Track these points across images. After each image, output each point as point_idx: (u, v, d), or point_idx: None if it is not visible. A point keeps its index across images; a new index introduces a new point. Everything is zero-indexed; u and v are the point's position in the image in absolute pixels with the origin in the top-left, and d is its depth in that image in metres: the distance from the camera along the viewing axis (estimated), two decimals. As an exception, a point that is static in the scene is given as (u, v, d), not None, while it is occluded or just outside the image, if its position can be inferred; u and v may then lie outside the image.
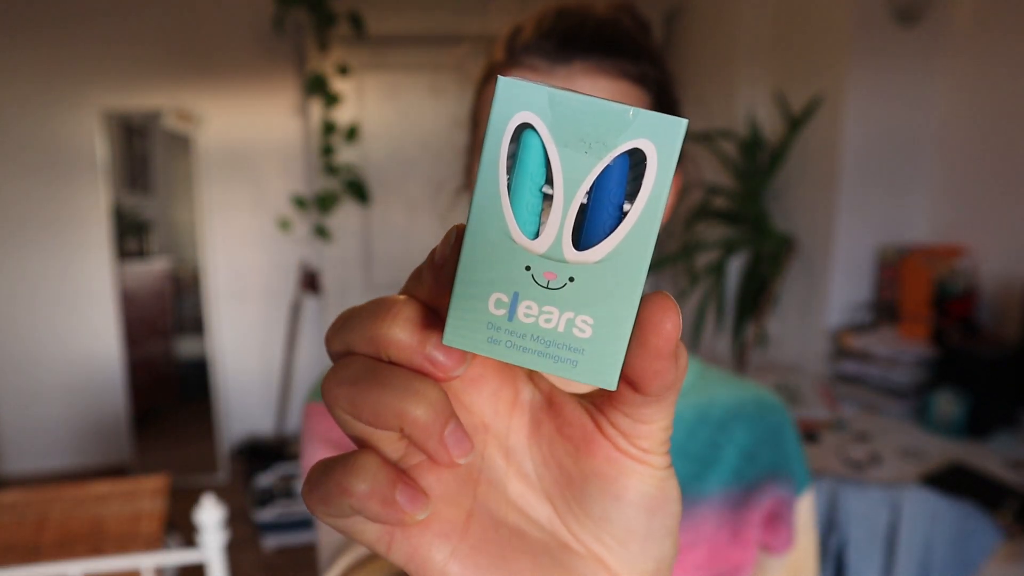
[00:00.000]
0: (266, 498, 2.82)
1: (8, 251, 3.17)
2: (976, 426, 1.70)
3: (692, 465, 0.57)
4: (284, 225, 3.18)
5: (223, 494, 3.08)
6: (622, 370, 0.20)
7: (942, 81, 2.13)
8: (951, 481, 1.49)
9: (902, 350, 1.94)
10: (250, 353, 3.43)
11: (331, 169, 2.87)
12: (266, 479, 2.93)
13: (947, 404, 1.73)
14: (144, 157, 3.33)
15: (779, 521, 0.59)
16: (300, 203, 3.04)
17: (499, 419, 0.23)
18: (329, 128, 2.82)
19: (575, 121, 0.18)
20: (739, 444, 0.59)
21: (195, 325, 3.46)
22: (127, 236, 3.31)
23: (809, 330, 2.36)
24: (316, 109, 2.83)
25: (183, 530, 2.47)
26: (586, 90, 0.48)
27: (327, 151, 2.85)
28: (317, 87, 2.76)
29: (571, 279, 0.19)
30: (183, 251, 3.41)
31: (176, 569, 1.66)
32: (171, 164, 3.38)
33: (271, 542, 2.76)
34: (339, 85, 2.80)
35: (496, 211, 0.18)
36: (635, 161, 0.18)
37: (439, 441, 0.19)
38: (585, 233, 0.19)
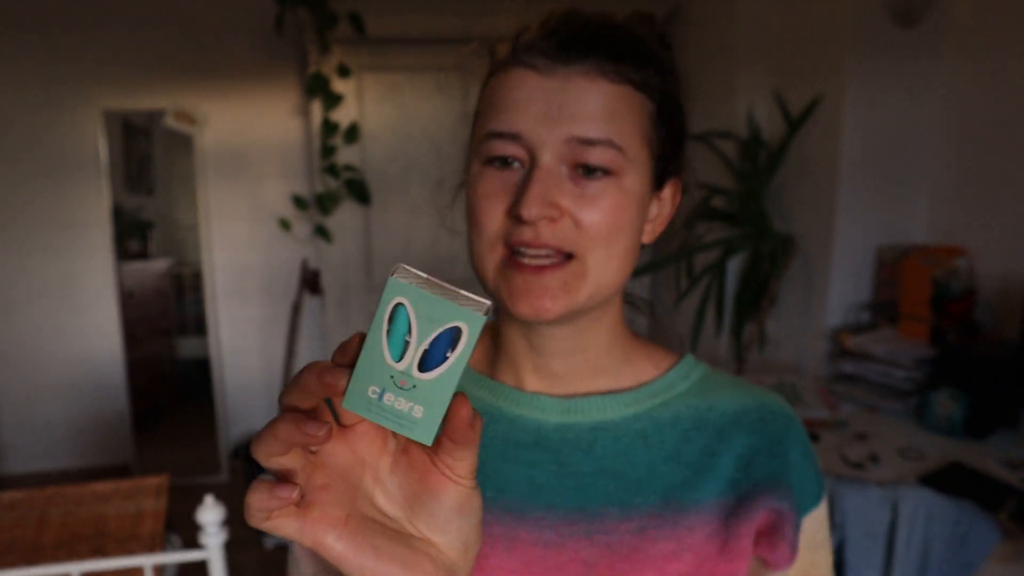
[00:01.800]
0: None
1: (10, 251, 3.17)
2: (975, 426, 1.70)
3: (684, 471, 0.56)
4: (285, 225, 3.18)
5: (224, 494, 3.08)
6: (444, 432, 0.35)
7: (941, 82, 2.14)
8: (950, 481, 1.49)
9: (901, 350, 1.95)
10: (251, 353, 3.44)
11: (331, 170, 2.88)
12: (267, 479, 2.93)
13: (946, 404, 1.73)
14: (146, 157, 3.33)
15: (776, 535, 0.56)
16: (300, 203, 3.04)
17: (373, 458, 0.38)
18: (330, 129, 2.82)
19: (427, 307, 0.34)
20: (737, 452, 0.56)
21: (196, 325, 3.47)
22: (128, 236, 3.31)
23: (808, 330, 2.37)
24: (317, 110, 2.83)
25: (184, 530, 2.48)
26: (583, 93, 0.48)
27: (328, 151, 2.85)
28: (318, 88, 2.77)
29: (414, 386, 0.34)
30: (184, 251, 3.42)
31: (177, 568, 1.66)
32: (173, 164, 3.38)
33: (271, 541, 2.76)
34: (340, 86, 2.81)
35: (379, 344, 0.34)
36: (456, 332, 0.34)
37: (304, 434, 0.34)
38: (425, 364, 0.34)
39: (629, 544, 0.54)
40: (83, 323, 3.28)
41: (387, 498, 0.38)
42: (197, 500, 1.19)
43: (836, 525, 1.36)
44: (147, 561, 1.17)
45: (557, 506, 0.55)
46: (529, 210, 0.48)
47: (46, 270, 3.21)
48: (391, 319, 0.34)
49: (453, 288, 0.34)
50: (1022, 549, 1.29)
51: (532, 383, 0.59)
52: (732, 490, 0.55)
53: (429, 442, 0.34)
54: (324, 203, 2.89)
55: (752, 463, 0.56)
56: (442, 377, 0.34)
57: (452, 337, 0.34)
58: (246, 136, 3.25)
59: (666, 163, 0.55)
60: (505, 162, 0.50)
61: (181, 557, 1.20)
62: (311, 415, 0.34)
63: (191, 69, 3.16)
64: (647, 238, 0.57)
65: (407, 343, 0.34)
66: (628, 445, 0.57)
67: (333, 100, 2.80)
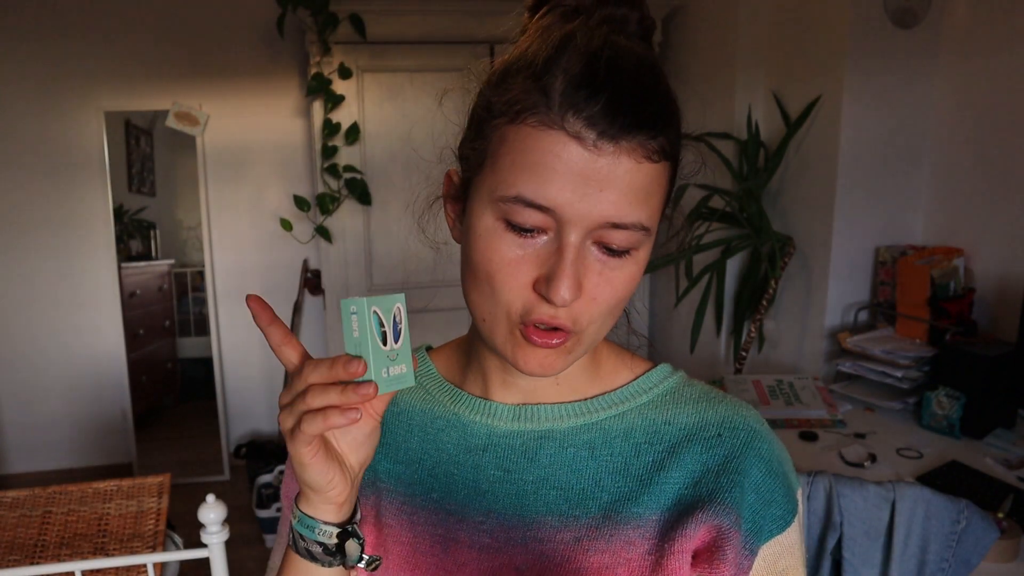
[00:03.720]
0: (268, 496, 2.84)
1: (12, 252, 3.18)
2: (973, 425, 1.71)
3: (630, 484, 0.55)
4: (286, 225, 3.19)
5: (225, 493, 3.10)
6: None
7: (939, 83, 2.14)
8: (948, 480, 1.50)
9: (899, 350, 1.95)
10: (252, 353, 3.44)
11: (332, 170, 2.88)
12: (268, 478, 2.95)
13: (944, 403, 1.74)
14: (148, 158, 3.34)
15: (716, 555, 0.52)
16: (301, 204, 3.05)
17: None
18: (331, 129, 2.83)
19: (380, 305, 0.48)
20: (687, 468, 0.54)
21: (198, 325, 3.48)
22: (130, 237, 3.32)
23: (807, 330, 2.37)
24: (318, 110, 2.84)
25: (185, 528, 2.49)
26: (628, 174, 0.45)
27: (328, 152, 2.86)
28: (319, 88, 2.77)
29: (397, 355, 0.49)
30: (186, 251, 3.43)
31: (178, 566, 1.67)
32: (174, 165, 3.39)
33: (273, 540, 2.77)
34: (340, 87, 2.81)
35: (375, 341, 0.48)
36: (397, 311, 0.49)
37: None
38: (396, 338, 0.49)
39: (563, 554, 0.54)
40: (85, 323, 3.29)
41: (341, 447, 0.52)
42: (199, 499, 1.20)
43: (834, 524, 1.37)
44: (149, 560, 1.18)
45: (498, 512, 0.56)
46: (563, 296, 0.46)
47: (48, 270, 3.22)
48: (369, 329, 0.47)
49: (380, 296, 0.49)
50: (1020, 547, 1.30)
51: (498, 395, 0.60)
52: (675, 507, 0.54)
53: (413, 382, 0.50)
54: (325, 203, 2.90)
55: (700, 480, 0.54)
56: (405, 340, 0.49)
57: (396, 320, 0.49)
58: (248, 137, 3.26)
59: (666, 207, 0.53)
60: (528, 230, 0.47)
61: (183, 556, 1.21)
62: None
63: (193, 70, 3.17)
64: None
65: (384, 332, 0.48)
66: (574, 455, 0.56)
67: (334, 101, 2.81)
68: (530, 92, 0.46)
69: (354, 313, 0.47)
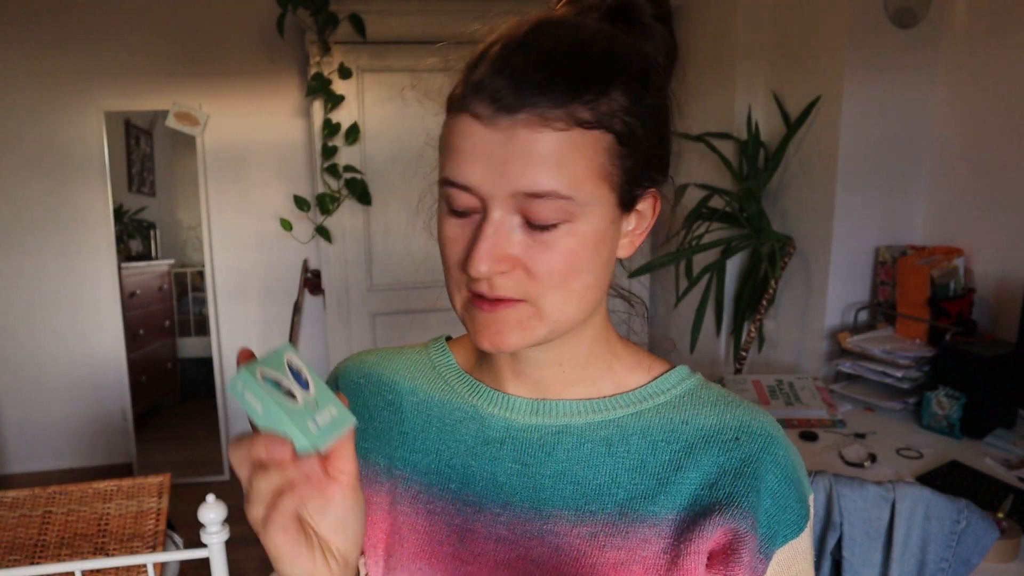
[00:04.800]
0: (268, 497, 2.83)
1: (12, 252, 3.18)
2: (973, 425, 1.71)
3: (648, 482, 0.55)
4: (286, 225, 3.19)
5: (225, 492, 3.09)
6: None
7: (939, 83, 2.14)
8: (948, 479, 1.50)
9: (899, 350, 1.95)
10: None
11: (332, 170, 2.88)
12: (268, 478, 2.94)
13: (944, 403, 1.74)
14: (148, 158, 3.34)
15: (732, 557, 0.53)
16: (301, 204, 3.05)
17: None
18: (331, 129, 2.83)
19: (269, 364, 0.46)
20: (704, 470, 0.55)
21: (198, 325, 3.48)
22: (130, 237, 3.32)
23: (807, 330, 2.37)
24: (318, 110, 2.84)
25: (185, 528, 2.48)
26: (526, 144, 0.46)
27: (328, 152, 2.86)
28: (319, 88, 2.77)
29: (316, 400, 0.46)
30: (186, 251, 3.43)
31: (178, 567, 1.67)
32: (174, 165, 3.39)
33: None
34: (340, 87, 2.81)
35: (282, 406, 0.44)
36: (292, 362, 0.47)
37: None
38: (302, 387, 0.46)
39: (579, 549, 0.55)
40: (85, 323, 3.29)
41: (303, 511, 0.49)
42: (199, 499, 1.20)
43: (834, 524, 1.37)
44: (149, 559, 1.18)
45: (515, 504, 0.57)
46: (477, 268, 0.48)
47: (48, 271, 3.22)
48: (267, 395, 0.44)
49: (263, 356, 0.47)
50: (1020, 547, 1.30)
51: (512, 387, 0.60)
52: (691, 507, 0.54)
53: (352, 419, 0.47)
54: (325, 203, 2.90)
55: (717, 482, 0.54)
56: (316, 383, 0.47)
57: (294, 369, 0.47)
58: (247, 137, 3.26)
59: (636, 184, 0.52)
60: (463, 212, 0.50)
61: (183, 556, 1.21)
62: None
63: (193, 70, 3.17)
64: (624, 252, 0.55)
65: (288, 391, 0.45)
66: (591, 451, 0.57)
67: (334, 101, 2.81)
68: (459, 84, 0.50)
69: (244, 389, 0.44)
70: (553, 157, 0.47)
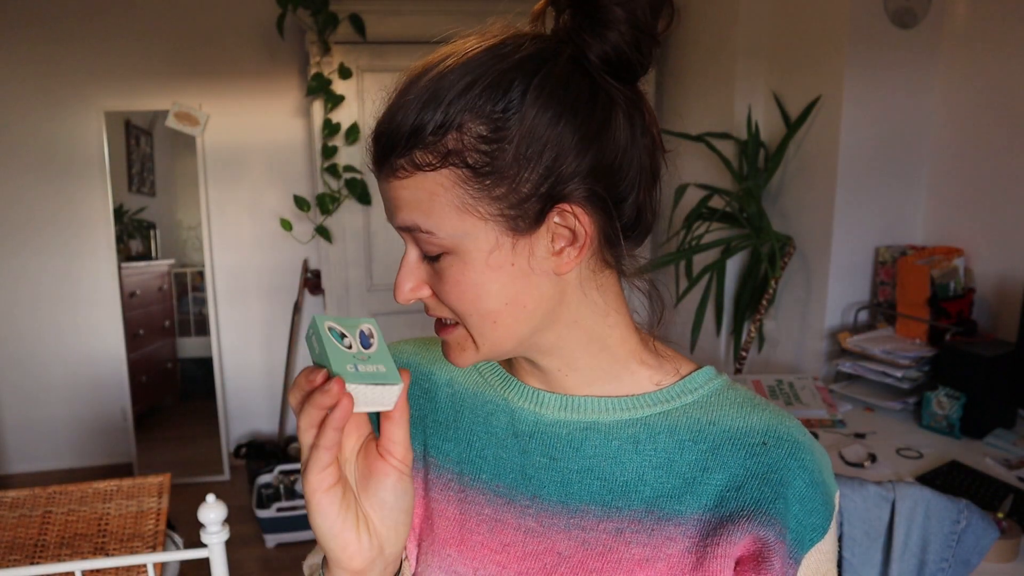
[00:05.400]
0: (268, 496, 2.84)
1: (12, 252, 3.18)
2: (972, 425, 1.71)
3: (674, 481, 0.56)
4: (286, 225, 3.19)
5: (225, 492, 3.10)
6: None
7: (939, 82, 2.14)
8: (948, 479, 1.50)
9: (899, 350, 1.95)
10: (252, 353, 3.45)
11: (332, 170, 2.88)
12: (267, 478, 2.95)
13: (944, 403, 1.74)
14: (148, 158, 3.34)
15: (762, 565, 0.54)
16: (302, 204, 3.05)
17: (350, 442, 0.52)
18: (331, 129, 2.83)
19: (345, 323, 0.51)
20: (731, 472, 0.55)
21: (198, 325, 3.48)
22: (130, 237, 3.32)
23: (807, 330, 2.38)
24: (318, 110, 2.84)
25: (185, 528, 2.49)
26: (390, 191, 0.54)
27: (328, 152, 2.86)
28: (319, 88, 2.77)
29: (369, 357, 0.49)
30: (186, 251, 3.43)
31: (178, 566, 1.67)
32: (174, 165, 3.39)
33: (272, 540, 2.77)
34: (340, 87, 2.82)
35: (336, 347, 0.49)
36: (367, 331, 0.51)
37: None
38: (364, 346, 0.50)
39: (605, 543, 0.56)
40: (85, 323, 3.29)
41: (351, 476, 0.52)
42: (199, 499, 1.20)
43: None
44: (149, 559, 1.18)
45: (543, 497, 0.58)
46: (396, 295, 0.56)
47: (49, 271, 3.22)
48: (325, 338, 0.49)
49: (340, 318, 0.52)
50: (1020, 547, 1.30)
51: (532, 381, 0.62)
52: (717, 509, 0.55)
53: (399, 381, 0.49)
54: (325, 203, 2.90)
55: (743, 486, 0.55)
56: (380, 347, 0.51)
57: (365, 333, 0.51)
58: (248, 137, 3.26)
59: (524, 204, 0.51)
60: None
61: (183, 555, 1.21)
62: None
63: (193, 70, 3.17)
64: (565, 268, 0.53)
65: (349, 343, 0.50)
66: (618, 448, 0.58)
67: (334, 101, 2.81)
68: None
69: (312, 334, 0.50)
70: (407, 200, 0.52)
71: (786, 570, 0.54)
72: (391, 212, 0.55)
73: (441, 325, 0.57)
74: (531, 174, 0.51)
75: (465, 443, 0.63)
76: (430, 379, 0.67)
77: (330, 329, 0.50)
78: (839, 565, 1.39)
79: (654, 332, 0.64)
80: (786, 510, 0.54)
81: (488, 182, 0.50)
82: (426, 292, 0.55)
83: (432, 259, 0.54)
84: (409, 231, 0.54)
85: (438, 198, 0.51)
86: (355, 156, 2.90)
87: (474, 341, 0.55)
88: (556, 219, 0.53)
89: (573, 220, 0.53)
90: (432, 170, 0.50)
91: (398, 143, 0.51)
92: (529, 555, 0.58)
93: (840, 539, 1.38)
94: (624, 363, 0.60)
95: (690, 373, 0.61)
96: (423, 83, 0.51)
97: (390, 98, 0.54)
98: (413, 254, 0.55)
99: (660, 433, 0.58)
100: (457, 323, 0.55)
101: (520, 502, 0.59)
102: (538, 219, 0.52)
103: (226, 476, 3.35)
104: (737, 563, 0.55)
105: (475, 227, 0.51)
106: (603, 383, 0.60)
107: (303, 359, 3.49)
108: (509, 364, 0.65)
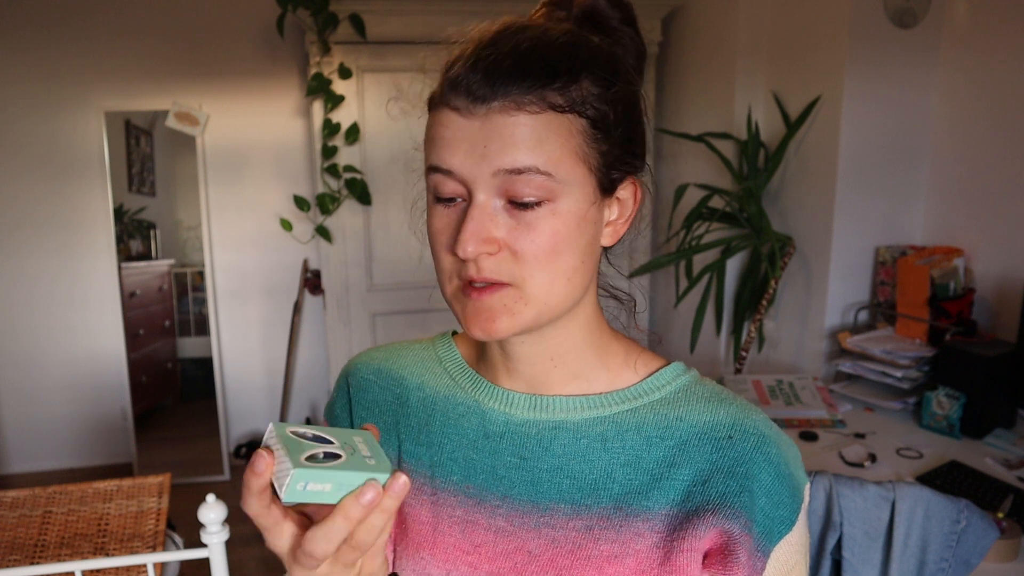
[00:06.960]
0: (268, 497, 2.83)
1: (12, 252, 3.18)
2: (972, 425, 1.71)
3: (642, 477, 0.56)
4: (286, 225, 3.19)
5: (225, 492, 3.09)
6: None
7: (939, 83, 2.14)
8: (948, 479, 1.50)
9: (899, 350, 1.95)
10: (252, 353, 3.44)
11: (332, 170, 2.88)
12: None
13: (944, 403, 1.74)
14: (148, 158, 3.34)
15: (729, 558, 0.54)
16: (301, 204, 3.05)
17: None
18: (331, 129, 2.83)
19: (299, 450, 0.46)
20: (697, 467, 0.56)
21: (198, 325, 3.48)
22: (130, 237, 3.32)
23: (807, 330, 2.38)
24: (318, 110, 2.84)
25: (185, 528, 2.48)
26: (503, 128, 0.50)
27: (328, 152, 2.86)
28: (319, 88, 2.77)
29: (352, 447, 0.48)
30: (186, 251, 3.43)
31: (178, 566, 1.67)
32: (174, 165, 3.39)
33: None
34: (340, 87, 2.81)
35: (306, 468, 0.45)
36: (307, 436, 0.48)
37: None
38: (323, 463, 0.45)
39: (574, 541, 0.57)
40: (86, 323, 3.29)
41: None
42: (199, 499, 1.20)
43: (834, 524, 1.37)
44: (149, 559, 1.18)
45: (513, 497, 0.59)
46: (464, 249, 0.51)
47: (49, 271, 3.22)
48: (319, 476, 0.46)
49: (284, 446, 0.46)
50: (1020, 547, 1.30)
51: (507, 383, 0.62)
52: (684, 504, 0.55)
53: (374, 428, 0.53)
54: (325, 203, 2.90)
55: (709, 480, 0.55)
56: (330, 431, 0.49)
57: (301, 434, 0.47)
58: (247, 137, 3.26)
59: (613, 168, 0.54)
60: (450, 199, 0.53)
61: (183, 555, 1.21)
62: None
63: (193, 70, 3.17)
64: (608, 240, 0.58)
65: (327, 454, 0.46)
66: (587, 447, 0.58)
67: (334, 101, 2.81)
68: (438, 85, 0.54)
69: (304, 483, 0.45)
70: (530, 137, 0.49)
71: (753, 563, 0.54)
72: (497, 151, 0.50)
73: (480, 289, 0.53)
74: (623, 139, 0.54)
75: (437, 446, 0.63)
76: (401, 384, 0.67)
77: (307, 460, 0.46)
78: (839, 565, 1.39)
79: (629, 330, 0.65)
80: (752, 503, 0.55)
81: (599, 136, 0.52)
82: (491, 247, 0.51)
83: (521, 207, 0.51)
84: (517, 172, 0.49)
85: (561, 140, 0.51)
86: (355, 156, 2.90)
87: (527, 303, 0.53)
88: (621, 190, 0.56)
89: (632, 194, 0.57)
90: (560, 112, 0.50)
91: (527, 76, 0.49)
92: (500, 555, 0.58)
93: (840, 539, 1.38)
94: (597, 359, 0.61)
95: (658, 369, 0.62)
96: (533, 36, 0.52)
97: (487, 38, 0.52)
98: (492, 203, 0.51)
99: (628, 431, 0.58)
100: (506, 284, 0.52)
101: (491, 502, 0.59)
102: (614, 185, 0.55)
103: (226, 476, 3.35)
104: (705, 556, 0.55)
105: (582, 178, 0.52)
106: (579, 381, 0.60)
107: (303, 359, 3.49)
108: (481, 365, 0.65)
